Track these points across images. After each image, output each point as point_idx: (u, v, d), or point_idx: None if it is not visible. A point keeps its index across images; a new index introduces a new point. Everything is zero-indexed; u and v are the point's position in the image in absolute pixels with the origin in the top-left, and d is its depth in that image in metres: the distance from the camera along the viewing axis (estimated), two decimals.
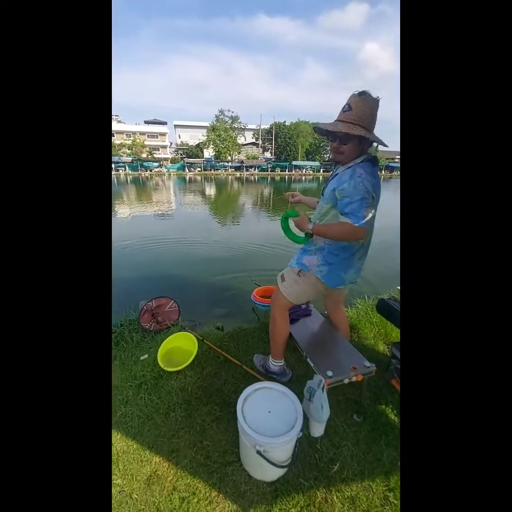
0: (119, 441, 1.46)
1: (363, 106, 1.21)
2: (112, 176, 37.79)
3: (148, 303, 2.60)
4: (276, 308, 1.71)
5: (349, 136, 1.23)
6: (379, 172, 1.38)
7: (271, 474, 1.32)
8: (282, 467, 1.26)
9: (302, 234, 1.50)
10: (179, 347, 2.15)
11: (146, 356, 2.10)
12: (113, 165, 40.78)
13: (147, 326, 2.45)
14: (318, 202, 1.57)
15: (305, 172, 48.94)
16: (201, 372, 1.96)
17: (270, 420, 1.28)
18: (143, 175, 38.70)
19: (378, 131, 1.30)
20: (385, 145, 1.27)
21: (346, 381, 1.50)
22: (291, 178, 42.46)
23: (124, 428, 1.53)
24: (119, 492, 1.23)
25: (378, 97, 1.23)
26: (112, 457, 1.38)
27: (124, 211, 11.19)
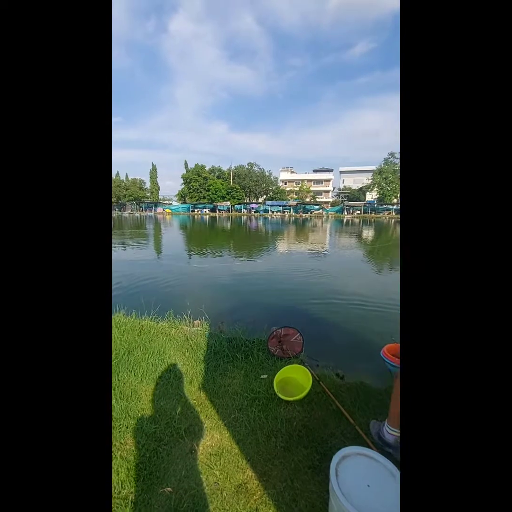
0: (226, 440, 1.68)
1: None
2: (278, 216, 44.04)
3: (278, 330, 2.85)
4: None
5: None
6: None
7: None
8: None
9: None
10: (294, 379, 2.21)
11: (265, 376, 2.30)
12: (280, 208, 47.73)
13: (272, 350, 2.68)
14: None
15: None
16: (310, 412, 1.92)
17: (367, 496, 1.11)
18: (303, 216, 42.74)
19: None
20: None
21: None
22: None
23: (232, 431, 1.75)
24: (214, 483, 1.41)
25: None
26: (218, 450, 1.60)
27: (283, 247, 12.73)
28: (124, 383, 2.17)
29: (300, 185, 52.88)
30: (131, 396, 2.04)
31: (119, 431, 1.72)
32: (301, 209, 47.16)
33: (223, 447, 1.63)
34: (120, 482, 1.41)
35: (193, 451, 1.61)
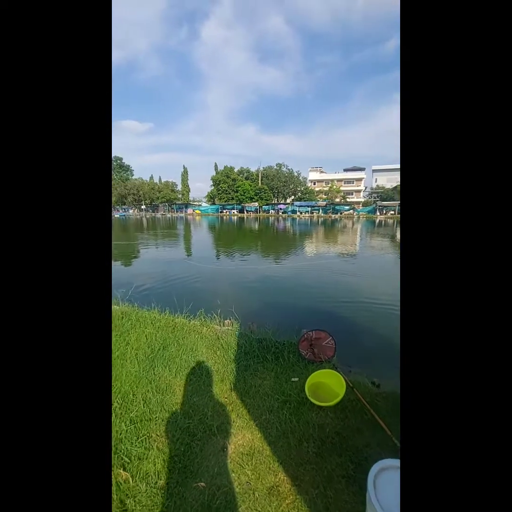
0: (258, 440, 1.69)
1: None
2: (307, 217, 43.42)
3: (309, 332, 2.80)
4: None
5: None
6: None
7: None
8: None
9: None
10: (327, 384, 2.15)
11: (296, 379, 2.27)
12: (309, 208, 47.01)
13: (303, 353, 2.64)
14: None
15: None
16: (343, 419, 1.86)
17: None
18: (332, 217, 41.73)
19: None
20: None
21: None
22: None
23: (264, 432, 1.74)
24: (246, 482, 1.42)
25: None
26: (249, 450, 1.61)
27: (311, 249, 12.52)
28: (160, 377, 2.26)
29: (329, 185, 51.69)
30: (166, 390, 2.12)
31: (155, 423, 1.80)
32: (331, 210, 46.05)
33: (255, 447, 1.64)
34: (157, 472, 1.47)
35: (225, 449, 1.63)
